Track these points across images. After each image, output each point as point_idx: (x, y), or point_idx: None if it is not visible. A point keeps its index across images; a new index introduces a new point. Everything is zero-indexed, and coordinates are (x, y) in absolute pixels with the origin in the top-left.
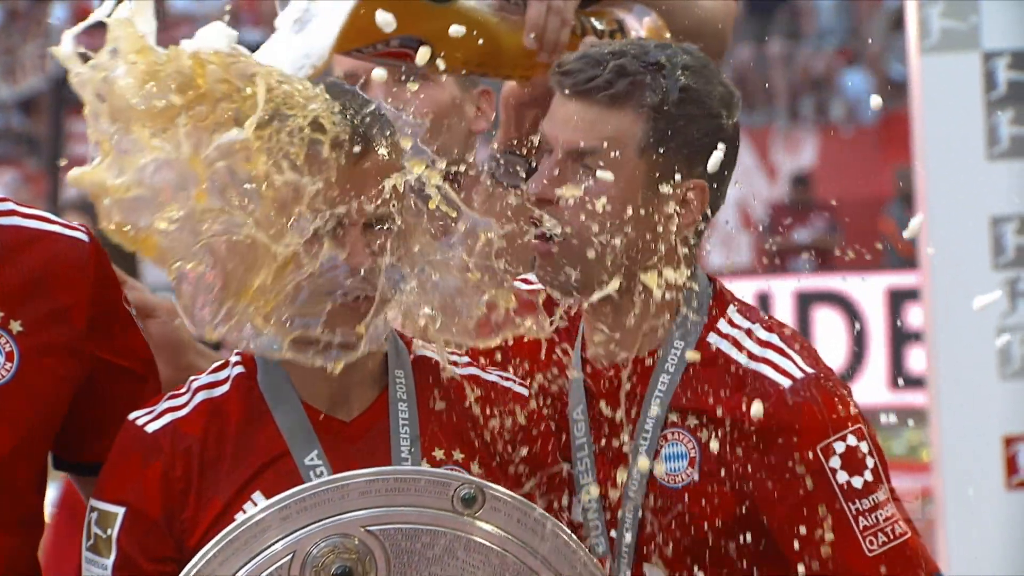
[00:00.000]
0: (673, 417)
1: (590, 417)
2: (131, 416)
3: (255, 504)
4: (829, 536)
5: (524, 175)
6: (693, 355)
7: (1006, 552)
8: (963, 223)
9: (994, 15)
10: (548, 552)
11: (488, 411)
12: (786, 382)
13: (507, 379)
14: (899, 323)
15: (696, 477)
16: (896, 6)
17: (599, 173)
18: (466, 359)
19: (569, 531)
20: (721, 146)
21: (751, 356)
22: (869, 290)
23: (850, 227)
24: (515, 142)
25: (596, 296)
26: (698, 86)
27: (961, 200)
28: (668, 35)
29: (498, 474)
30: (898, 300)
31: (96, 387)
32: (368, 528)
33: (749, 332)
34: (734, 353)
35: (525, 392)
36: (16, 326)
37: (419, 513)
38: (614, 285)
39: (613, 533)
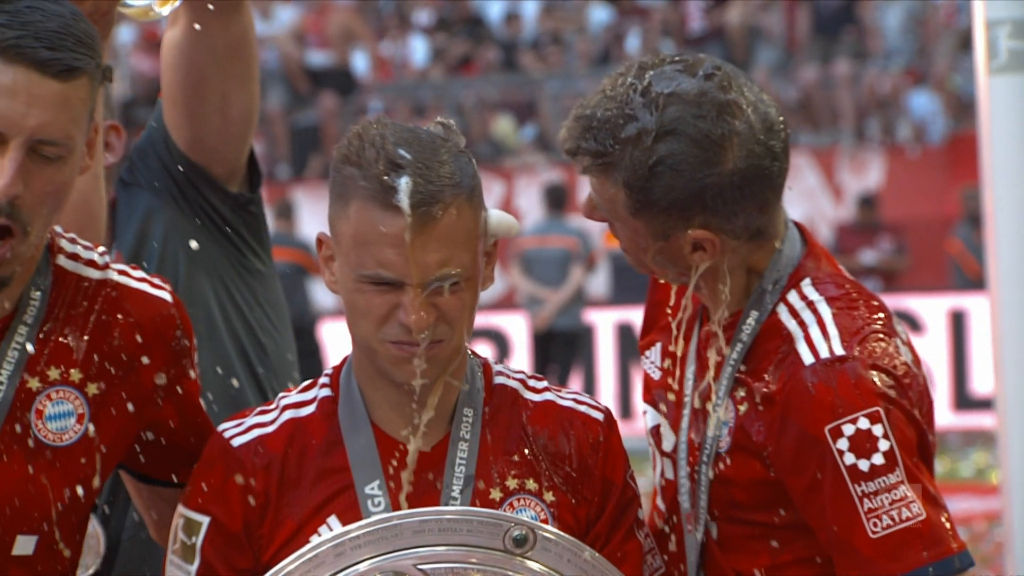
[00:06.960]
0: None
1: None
2: (220, 427)
3: (330, 528)
4: (833, 515)
5: None
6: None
7: None
8: None
9: None
10: None
11: (562, 438)
12: (809, 359)
13: (582, 403)
14: None
15: (730, 444)
16: (964, 27)
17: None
18: (543, 383)
19: (621, 573)
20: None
21: (801, 328)
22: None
23: (917, 248)
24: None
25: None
26: (674, 150)
27: None
28: None
29: (570, 502)
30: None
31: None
32: (420, 567)
33: (811, 305)
34: (791, 325)
35: (601, 416)
36: (92, 388)
37: (471, 552)
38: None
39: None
